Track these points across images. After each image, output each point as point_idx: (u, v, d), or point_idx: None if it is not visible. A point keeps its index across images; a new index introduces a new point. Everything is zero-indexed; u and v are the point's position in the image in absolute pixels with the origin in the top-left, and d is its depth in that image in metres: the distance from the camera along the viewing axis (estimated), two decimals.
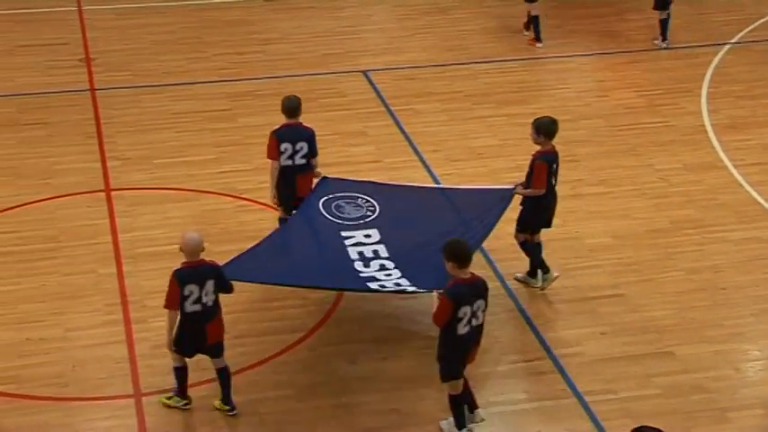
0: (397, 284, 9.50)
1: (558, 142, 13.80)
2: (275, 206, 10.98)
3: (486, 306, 8.67)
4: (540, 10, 16.87)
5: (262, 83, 15.50)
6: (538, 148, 10.47)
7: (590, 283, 11.09)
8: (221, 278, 8.93)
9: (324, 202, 10.64)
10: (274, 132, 10.71)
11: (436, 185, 12.00)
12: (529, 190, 10.41)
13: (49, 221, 12.01)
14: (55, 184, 12.77)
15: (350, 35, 17.39)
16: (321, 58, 16.48)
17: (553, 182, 10.48)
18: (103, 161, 13.33)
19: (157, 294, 10.65)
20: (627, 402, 9.40)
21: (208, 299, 8.81)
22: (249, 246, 10.14)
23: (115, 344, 10.04)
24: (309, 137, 10.70)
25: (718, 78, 15.91)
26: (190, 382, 9.40)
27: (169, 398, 9.29)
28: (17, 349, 9.99)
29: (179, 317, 8.80)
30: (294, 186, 10.72)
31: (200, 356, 9.80)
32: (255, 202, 12.30)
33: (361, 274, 9.69)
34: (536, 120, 10.44)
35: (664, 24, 16.92)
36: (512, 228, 11.01)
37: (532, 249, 10.81)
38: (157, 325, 10.29)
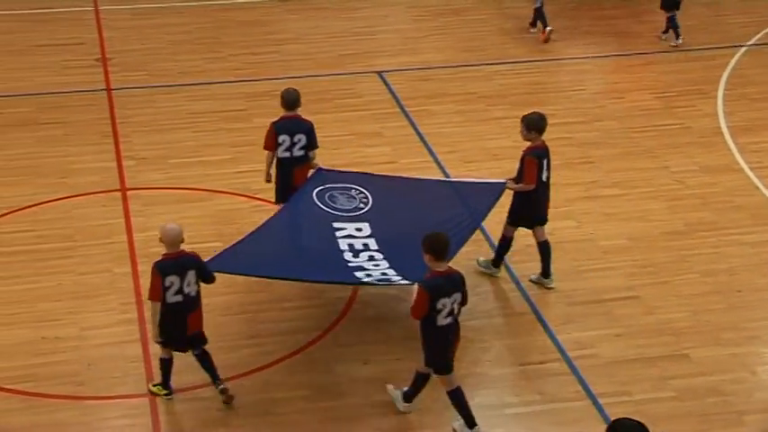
0: (384, 274, 9.58)
1: (572, 144, 13.89)
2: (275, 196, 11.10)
3: (463, 299, 8.72)
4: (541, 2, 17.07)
5: (277, 83, 15.49)
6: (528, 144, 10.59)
7: (605, 285, 11.07)
8: (202, 268, 9.06)
9: (318, 192, 10.71)
10: (273, 124, 10.85)
11: (430, 178, 11.97)
12: (519, 185, 10.53)
13: (66, 220, 12.06)
14: (71, 183, 12.82)
15: (365, 36, 17.41)
16: (336, 59, 16.50)
17: (544, 177, 10.57)
18: (119, 161, 13.37)
19: None
20: (641, 405, 9.37)
21: (189, 289, 8.94)
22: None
23: (130, 343, 10.08)
24: (308, 129, 10.82)
25: (734, 80, 15.87)
26: (204, 381, 9.44)
27: (155, 385, 9.41)
28: (33, 348, 10.03)
29: (162, 310, 8.92)
30: (292, 177, 10.87)
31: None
32: (270, 202, 12.30)
33: (350, 264, 9.77)
34: (525, 116, 10.56)
35: (673, 23, 16.93)
36: (524, 229, 11.03)
37: (504, 245, 10.91)
38: None
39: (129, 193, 12.58)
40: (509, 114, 14.66)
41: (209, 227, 11.80)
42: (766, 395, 9.61)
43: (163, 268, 8.88)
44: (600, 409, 9.32)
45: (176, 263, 8.91)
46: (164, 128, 14.23)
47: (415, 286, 8.63)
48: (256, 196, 12.46)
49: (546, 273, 10.96)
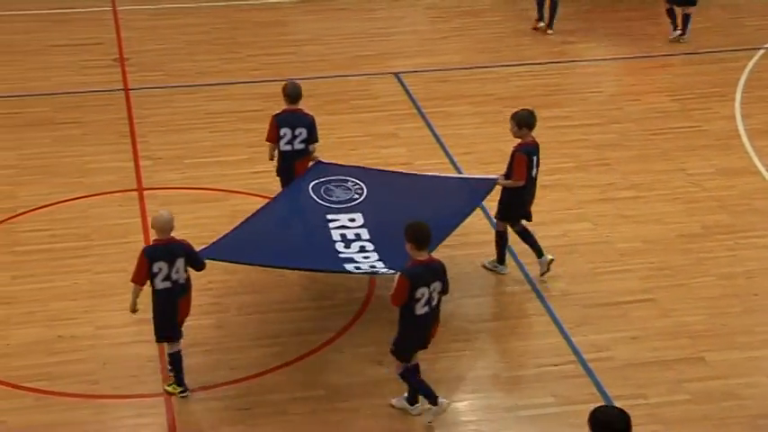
0: (372, 267, 9.66)
1: (588, 146, 13.86)
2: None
3: (443, 288, 8.81)
4: None
5: None
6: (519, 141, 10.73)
7: (620, 287, 11.04)
8: (192, 256, 9.19)
9: (314, 185, 10.86)
10: (275, 117, 11.05)
11: (427, 173, 12.03)
12: (509, 181, 10.64)
13: (82, 220, 12.10)
14: (88, 182, 12.87)
15: (382, 37, 17.41)
16: (353, 60, 16.51)
17: (533, 174, 10.67)
18: (136, 160, 13.41)
19: None
20: (657, 408, 9.35)
21: (178, 276, 9.06)
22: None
23: (145, 342, 10.07)
24: (309, 123, 11.00)
25: (752, 83, 15.81)
26: (219, 381, 9.46)
27: (170, 384, 9.44)
28: (49, 346, 10.07)
29: (153, 296, 9.10)
30: (293, 170, 11.03)
31: (224, 357, 9.87)
32: None
33: (340, 255, 9.87)
34: (515, 113, 10.68)
35: (674, 17, 17.02)
36: (539, 231, 11.03)
37: (501, 241, 11.07)
38: (188, 324, 10.32)
39: (145, 192, 12.61)
40: None
41: (224, 227, 11.74)
42: None
43: (151, 254, 9.02)
44: None
45: (165, 249, 9.04)
46: (180, 128, 14.26)
47: (397, 275, 8.75)
48: (273, 197, 12.46)
49: (537, 252, 11.07)
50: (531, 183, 10.73)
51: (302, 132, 10.96)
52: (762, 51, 16.91)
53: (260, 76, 15.82)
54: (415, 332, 8.83)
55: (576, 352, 10.06)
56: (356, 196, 10.75)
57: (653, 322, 10.51)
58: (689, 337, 10.30)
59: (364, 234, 10.20)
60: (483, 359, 10.09)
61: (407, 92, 15.40)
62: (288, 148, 10.99)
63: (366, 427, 9.19)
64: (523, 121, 10.59)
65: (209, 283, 10.94)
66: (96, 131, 14.16)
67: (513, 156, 10.63)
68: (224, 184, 12.84)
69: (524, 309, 10.73)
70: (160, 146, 13.77)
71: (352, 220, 10.42)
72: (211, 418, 9.25)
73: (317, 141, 11.09)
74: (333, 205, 10.61)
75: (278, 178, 11.30)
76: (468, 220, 11.62)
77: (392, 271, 9.26)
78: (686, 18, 17.00)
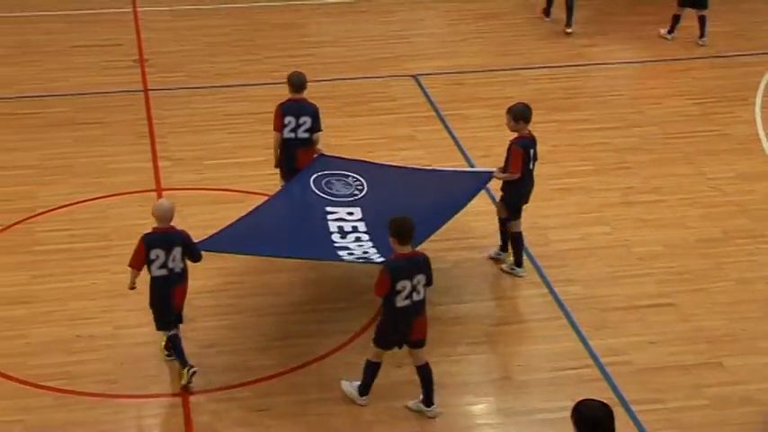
0: (365, 253, 9.79)
1: (609, 149, 13.83)
2: (278, 172, 11.45)
3: (427, 281, 8.93)
4: None
5: (313, 86, 15.37)
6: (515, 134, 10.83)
7: (639, 291, 11.00)
8: (189, 246, 9.40)
9: (315, 178, 10.97)
10: (280, 105, 11.19)
11: (426, 168, 12.10)
12: (506, 174, 10.78)
13: (101, 220, 12.14)
14: (107, 183, 12.91)
15: (401, 39, 17.41)
16: (372, 62, 16.51)
17: (530, 166, 10.79)
18: (155, 161, 13.45)
19: (205, 294, 10.79)
20: (675, 413, 9.31)
21: (174, 265, 9.26)
22: None
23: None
24: (313, 112, 11.12)
25: None
26: (236, 382, 9.49)
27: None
28: (68, 346, 10.11)
29: (150, 283, 9.35)
30: (296, 159, 11.15)
31: (241, 358, 9.89)
32: None
33: (335, 244, 10.02)
34: (510, 108, 10.79)
35: (675, 20, 17.02)
36: (557, 234, 11.00)
37: (505, 232, 11.21)
38: (205, 325, 10.39)
39: (164, 193, 12.64)
40: (544, 119, 14.61)
41: None
42: None
43: (149, 241, 9.25)
44: (632, 416, 9.26)
45: (163, 237, 9.26)
46: (200, 129, 14.30)
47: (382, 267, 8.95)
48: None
49: (505, 247, 11.24)
50: (529, 176, 10.87)
51: (306, 121, 11.09)
52: None
53: (279, 78, 15.73)
54: (393, 323, 8.96)
55: (593, 356, 10.03)
56: (356, 192, 10.88)
57: (671, 326, 10.47)
58: (707, 341, 10.26)
59: (361, 227, 10.33)
60: (499, 362, 10.07)
61: (426, 94, 15.40)
62: (291, 135, 11.12)
63: (383, 428, 9.18)
64: (520, 115, 10.69)
65: (225, 284, 10.98)
66: (116, 132, 14.21)
67: (509, 149, 10.77)
68: (242, 186, 12.86)
69: (541, 312, 10.71)
70: (179, 147, 13.81)
71: (351, 213, 10.57)
72: (228, 419, 9.26)
73: (320, 130, 11.24)
74: (333, 198, 10.75)
75: (277, 170, 11.42)
76: (485, 221, 11.66)
77: (382, 261, 9.41)
78: (702, 21, 16.96)
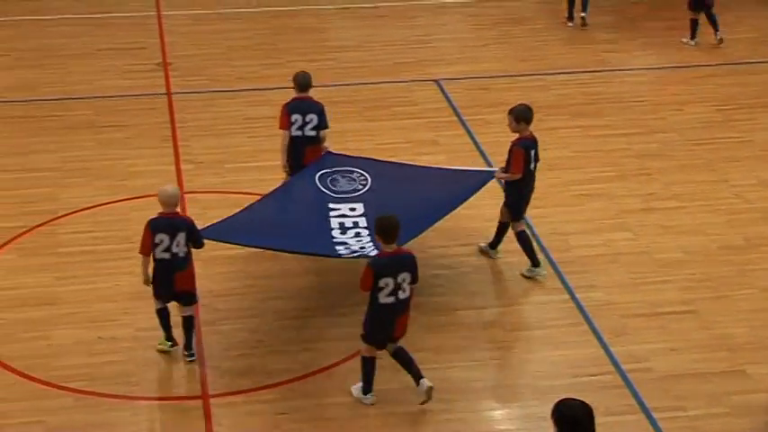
0: (362, 248, 9.92)
1: (630, 155, 13.79)
2: (286, 174, 11.60)
3: (413, 280, 9.02)
4: None
5: (334, 90, 15.58)
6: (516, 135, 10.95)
7: (660, 298, 10.96)
8: (193, 232, 9.61)
9: (321, 175, 11.15)
10: (286, 105, 11.42)
11: (431, 166, 12.17)
12: (507, 174, 10.91)
13: (124, 222, 12.18)
14: (130, 185, 12.96)
15: (423, 44, 17.42)
16: (394, 67, 16.53)
17: (532, 167, 10.88)
18: (177, 164, 13.50)
19: (228, 297, 10.83)
20: (696, 421, 9.26)
21: (178, 249, 9.48)
22: None
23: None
24: (319, 110, 11.36)
25: None
26: (257, 385, 9.50)
27: (161, 342, 9.88)
28: (89, 347, 10.14)
29: (153, 265, 9.58)
30: (303, 156, 11.35)
31: (262, 361, 9.90)
32: None
33: (334, 240, 10.19)
34: (512, 109, 10.96)
35: (694, 25, 17.08)
36: (579, 240, 10.95)
37: (502, 230, 11.29)
38: (227, 328, 10.42)
39: (186, 196, 12.67)
40: (567, 125, 14.62)
41: None
42: None
43: (154, 226, 9.49)
44: (653, 423, 9.22)
45: (168, 222, 9.50)
46: (221, 132, 14.34)
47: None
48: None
49: (494, 244, 11.39)
50: (530, 176, 10.97)
51: (313, 119, 11.29)
52: None
53: None
54: (378, 319, 9.08)
55: (614, 362, 9.99)
56: (360, 187, 11.05)
57: (693, 334, 10.42)
58: (729, 349, 10.20)
59: (362, 222, 10.47)
60: (520, 368, 10.04)
61: (448, 99, 15.39)
62: (298, 133, 11.31)
63: None
64: (521, 116, 10.82)
65: (246, 288, 11.01)
66: (139, 135, 14.27)
67: (510, 150, 10.86)
68: (263, 189, 12.79)
69: (563, 318, 10.68)
70: (201, 150, 13.85)
71: (353, 209, 10.73)
72: (248, 423, 9.27)
73: (327, 128, 11.40)
74: (336, 195, 10.91)
75: (283, 161, 11.55)
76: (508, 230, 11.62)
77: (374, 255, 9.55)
78: (712, 19, 16.96)
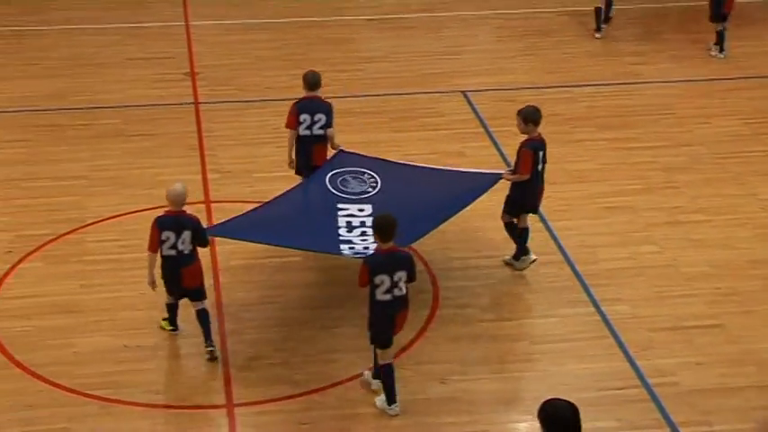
0: (366, 248, 9.98)
1: (657, 168, 13.73)
2: (292, 170, 11.78)
3: (409, 278, 9.15)
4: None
5: (362, 101, 15.63)
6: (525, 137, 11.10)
7: (687, 312, 10.90)
8: (198, 231, 9.85)
9: (332, 175, 11.31)
10: (295, 104, 11.56)
11: (442, 168, 12.19)
12: (515, 175, 11.03)
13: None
14: (156, 194, 12.96)
15: (451, 55, 17.42)
16: (421, 78, 16.54)
17: (539, 168, 10.98)
18: (204, 173, 13.55)
19: (253, 306, 10.86)
20: None
21: (184, 247, 9.74)
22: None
23: None
24: (327, 109, 11.50)
25: None
26: (282, 395, 9.54)
27: (164, 319, 10.36)
28: (114, 355, 10.19)
29: (161, 261, 9.84)
30: (311, 155, 11.52)
31: (287, 371, 9.92)
32: None
33: (340, 237, 10.32)
34: (521, 110, 11.06)
35: (720, 36, 17.06)
36: (605, 253, 10.91)
37: (514, 231, 11.33)
38: (252, 337, 10.44)
39: (212, 205, 12.73)
40: (593, 137, 14.58)
41: None
42: None
43: (161, 223, 9.77)
44: None
45: (175, 220, 9.74)
46: (249, 142, 14.38)
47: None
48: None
49: (517, 255, 11.37)
50: (537, 177, 11.03)
51: (321, 118, 11.43)
52: None
53: (328, 93, 15.79)
54: (377, 316, 9.19)
55: (640, 376, 9.94)
56: (370, 189, 11.16)
57: (719, 348, 10.36)
58: (756, 364, 10.13)
59: (369, 222, 10.48)
60: (545, 380, 10.00)
61: (475, 110, 15.39)
62: (307, 132, 11.45)
63: None
64: (529, 117, 10.96)
65: (270, 297, 11.03)
66: (166, 144, 14.34)
67: (519, 151, 10.99)
68: None
69: (588, 330, 10.64)
70: (228, 159, 13.91)
71: (361, 210, 10.85)
72: (273, 431, 9.30)
73: (331, 127, 11.55)
74: (345, 195, 11.03)
75: (289, 159, 11.73)
76: (533, 240, 11.61)
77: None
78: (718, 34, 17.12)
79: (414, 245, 11.64)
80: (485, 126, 14.89)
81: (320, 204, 11.05)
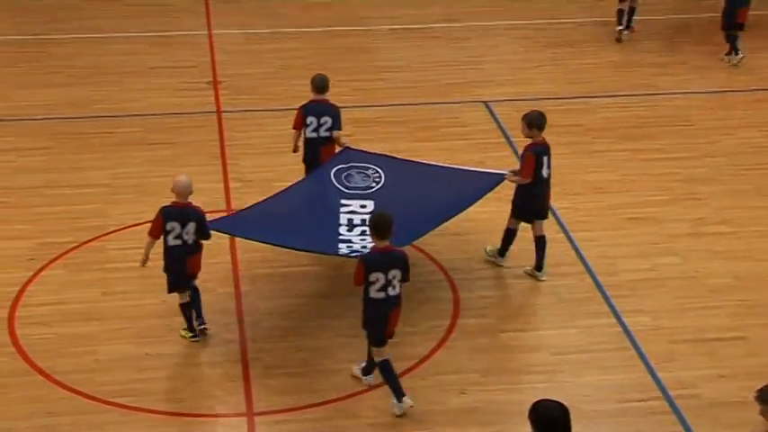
0: (364, 248, 10.04)
1: (679, 179, 13.69)
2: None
3: (403, 278, 9.26)
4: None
5: (384, 110, 15.64)
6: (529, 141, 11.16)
7: (709, 324, 10.85)
8: (202, 224, 10.10)
9: (336, 170, 11.46)
10: (302, 107, 11.77)
11: (447, 165, 12.23)
12: (517, 177, 11.14)
13: None
14: None
15: (473, 65, 17.42)
16: (444, 88, 16.55)
17: (544, 173, 11.06)
18: (226, 182, 13.59)
19: (273, 315, 10.87)
20: None
21: (188, 237, 10.03)
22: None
23: (231, 362, 10.20)
24: (334, 113, 11.69)
25: None
26: (302, 404, 9.53)
27: (183, 329, 10.44)
28: (136, 363, 10.22)
29: (164, 250, 10.10)
30: (319, 156, 11.71)
31: (307, 380, 9.91)
32: None
33: (339, 237, 10.40)
34: (525, 115, 11.12)
35: (731, 39, 17.26)
36: (627, 264, 10.87)
37: (509, 237, 11.47)
38: (273, 346, 10.46)
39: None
40: (614, 148, 14.55)
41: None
42: None
43: (166, 213, 10.04)
44: None
45: (180, 211, 10.02)
46: (271, 151, 14.40)
47: None
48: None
49: (539, 266, 11.40)
50: (542, 182, 11.09)
51: (328, 121, 11.60)
52: None
53: (350, 102, 15.89)
54: (371, 314, 9.31)
55: (661, 388, 9.90)
56: (373, 184, 11.29)
57: (742, 360, 10.30)
58: None
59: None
60: (566, 391, 9.95)
61: (496, 120, 15.38)
62: (313, 135, 11.64)
63: None
64: (534, 122, 11.03)
65: (290, 306, 11.05)
66: (188, 152, 14.39)
67: (522, 155, 11.11)
68: None
69: (609, 342, 10.60)
70: (250, 168, 13.94)
71: (363, 206, 10.94)
72: None
73: (340, 129, 11.70)
74: (349, 191, 11.16)
75: (303, 165, 11.90)
76: (553, 250, 11.59)
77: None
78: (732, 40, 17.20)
79: (434, 255, 11.71)
80: (506, 136, 14.88)
81: (323, 200, 11.19)
